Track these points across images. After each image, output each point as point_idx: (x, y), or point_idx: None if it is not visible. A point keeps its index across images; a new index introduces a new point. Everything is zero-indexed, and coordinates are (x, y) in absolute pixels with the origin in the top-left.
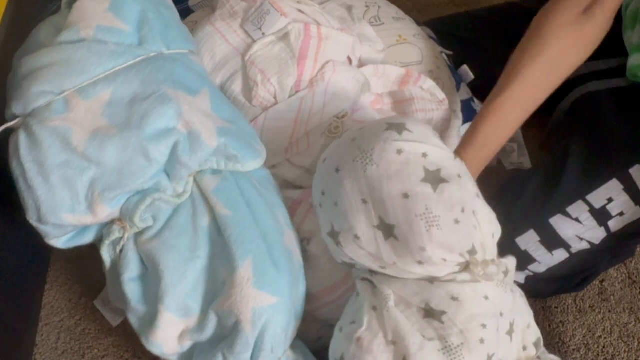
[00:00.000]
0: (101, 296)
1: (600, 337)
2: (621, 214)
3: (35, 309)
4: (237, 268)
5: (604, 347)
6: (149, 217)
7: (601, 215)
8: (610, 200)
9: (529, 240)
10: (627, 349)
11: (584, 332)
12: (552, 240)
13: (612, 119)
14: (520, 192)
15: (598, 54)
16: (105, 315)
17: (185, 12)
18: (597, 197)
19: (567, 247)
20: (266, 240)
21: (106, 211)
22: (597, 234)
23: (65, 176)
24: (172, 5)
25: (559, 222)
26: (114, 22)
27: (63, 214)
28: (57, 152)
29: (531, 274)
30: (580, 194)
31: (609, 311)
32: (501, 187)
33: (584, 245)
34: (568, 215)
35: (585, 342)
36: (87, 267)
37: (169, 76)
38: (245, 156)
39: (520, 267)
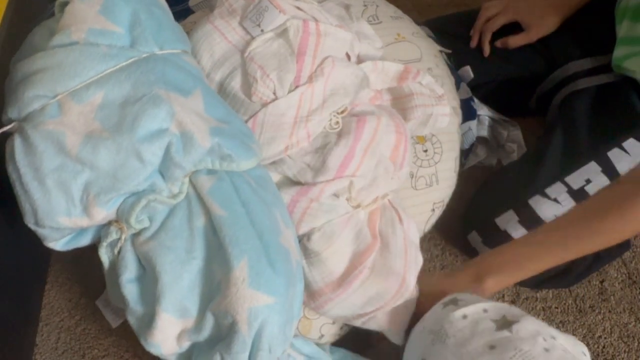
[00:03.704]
0: (103, 296)
1: (600, 337)
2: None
3: (35, 309)
4: (233, 268)
5: (604, 347)
6: (145, 218)
7: (579, 196)
8: (588, 181)
9: (508, 220)
10: (627, 349)
11: (584, 332)
12: (530, 220)
13: (595, 110)
14: (501, 177)
15: (586, 53)
16: (105, 316)
17: (185, 12)
18: (576, 179)
19: None
20: (262, 240)
21: (102, 213)
22: None
23: (60, 180)
24: (165, 4)
25: (537, 203)
26: (106, 24)
27: (59, 217)
28: (51, 156)
29: None
30: (559, 176)
31: (609, 311)
32: (489, 174)
33: None
34: (546, 196)
35: (585, 342)
36: (87, 267)
37: (160, 77)
38: (240, 155)
39: None
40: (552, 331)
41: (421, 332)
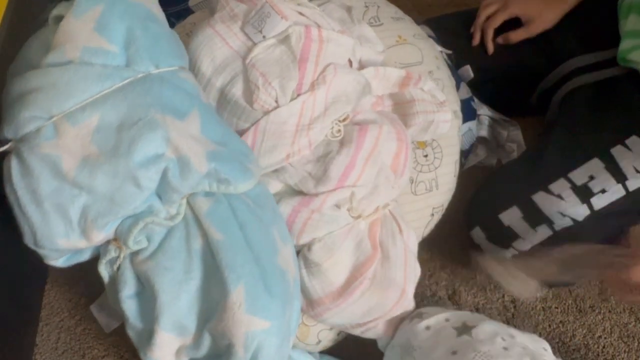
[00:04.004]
0: (98, 302)
1: (600, 337)
2: (603, 191)
3: (35, 309)
4: (229, 293)
5: (604, 347)
6: (143, 238)
7: (583, 192)
8: (591, 177)
9: (512, 216)
10: (627, 349)
11: (584, 332)
12: (534, 216)
13: (597, 105)
14: (505, 172)
15: (588, 49)
16: (99, 321)
17: (185, 12)
18: (579, 175)
19: (549, 223)
20: (259, 264)
21: (100, 236)
22: (579, 211)
23: (57, 203)
24: (162, 17)
25: (541, 199)
26: (100, 43)
27: (58, 239)
28: (48, 180)
29: (516, 252)
30: (562, 172)
31: (609, 311)
32: (490, 173)
33: (567, 222)
34: (550, 192)
35: (585, 342)
36: (87, 267)
37: (156, 99)
38: (237, 179)
39: (505, 244)
40: (512, 331)
41: (391, 348)
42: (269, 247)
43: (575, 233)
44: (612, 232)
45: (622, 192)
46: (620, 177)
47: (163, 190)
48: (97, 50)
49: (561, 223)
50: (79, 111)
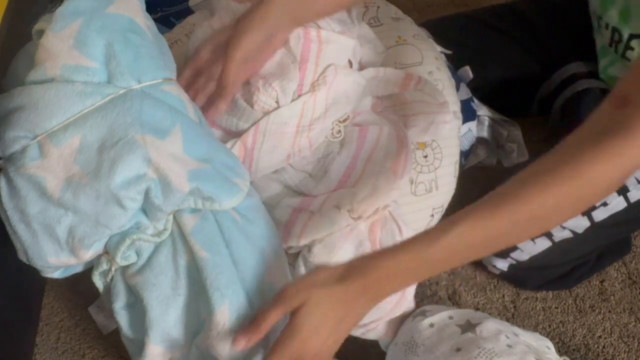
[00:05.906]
0: (96, 303)
1: (600, 337)
2: (604, 204)
3: (35, 309)
4: (214, 312)
5: (604, 347)
6: (132, 254)
7: None
8: None
9: None
10: (627, 349)
11: (584, 332)
12: None
13: None
14: (505, 181)
15: (584, 57)
16: (97, 322)
17: (184, 12)
18: None
19: (549, 235)
20: (244, 282)
21: (88, 254)
22: (579, 223)
23: (44, 224)
24: (147, 26)
25: None
26: (80, 60)
27: (48, 258)
28: (34, 201)
29: (514, 262)
30: None
31: (609, 311)
32: (491, 179)
33: (567, 234)
34: None
35: (585, 342)
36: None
37: (136, 118)
38: (221, 196)
39: (503, 254)
40: (515, 329)
41: (394, 346)
42: (256, 264)
43: (574, 244)
44: (609, 241)
45: (624, 204)
46: (621, 188)
47: (148, 207)
48: (77, 67)
49: (560, 235)
50: (62, 131)
